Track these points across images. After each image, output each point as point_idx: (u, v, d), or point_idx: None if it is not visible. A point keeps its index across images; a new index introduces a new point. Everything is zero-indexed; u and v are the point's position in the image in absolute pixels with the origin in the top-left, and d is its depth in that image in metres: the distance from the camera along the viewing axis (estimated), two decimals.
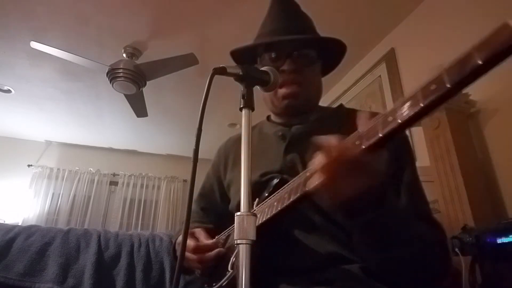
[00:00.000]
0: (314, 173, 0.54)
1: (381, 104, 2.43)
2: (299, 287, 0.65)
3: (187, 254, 0.76)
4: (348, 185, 0.50)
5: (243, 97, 0.61)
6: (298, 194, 0.58)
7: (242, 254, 0.47)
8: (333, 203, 0.55)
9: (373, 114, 0.51)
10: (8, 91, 3.33)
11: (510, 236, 1.12)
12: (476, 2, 1.83)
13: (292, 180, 0.62)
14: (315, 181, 0.52)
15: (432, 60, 2.06)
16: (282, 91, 0.83)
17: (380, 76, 2.49)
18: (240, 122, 0.59)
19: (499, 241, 1.14)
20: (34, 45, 2.38)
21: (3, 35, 2.53)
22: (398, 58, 2.37)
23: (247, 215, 0.49)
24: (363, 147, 0.47)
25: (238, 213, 0.50)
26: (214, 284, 0.72)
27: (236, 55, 0.94)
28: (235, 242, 0.48)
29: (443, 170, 1.57)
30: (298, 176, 0.60)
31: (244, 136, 0.56)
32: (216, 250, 0.73)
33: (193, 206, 1.02)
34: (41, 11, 2.30)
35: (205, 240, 0.78)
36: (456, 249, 1.25)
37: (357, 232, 0.61)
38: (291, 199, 0.59)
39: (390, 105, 2.33)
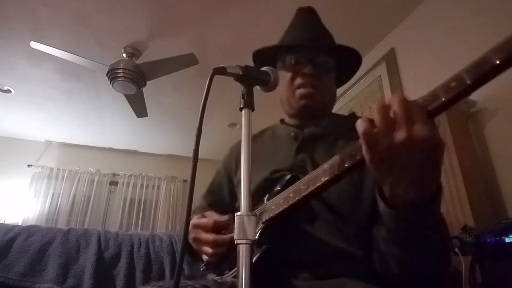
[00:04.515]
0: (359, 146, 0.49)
1: None
2: (305, 281, 0.67)
3: (202, 234, 0.76)
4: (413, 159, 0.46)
5: (243, 97, 0.61)
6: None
7: (242, 254, 0.47)
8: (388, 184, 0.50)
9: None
10: (8, 91, 3.33)
11: (510, 236, 1.12)
12: (476, 2, 1.83)
13: (309, 174, 0.63)
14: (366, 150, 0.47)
15: (432, 60, 2.06)
16: (300, 91, 0.88)
17: (380, 76, 2.49)
18: (240, 122, 0.59)
19: (499, 241, 1.14)
20: (34, 45, 2.38)
21: (3, 35, 2.53)
22: (398, 58, 2.37)
23: (247, 215, 0.50)
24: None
25: (238, 213, 0.50)
26: (226, 272, 0.72)
27: (258, 55, 0.98)
28: (235, 242, 0.48)
29: (443, 170, 1.57)
30: (316, 170, 0.61)
31: (244, 136, 0.56)
32: (231, 234, 0.71)
33: (201, 201, 1.03)
34: (41, 11, 2.30)
35: (219, 217, 0.78)
36: (456, 249, 1.25)
37: (394, 229, 0.57)
38: (310, 189, 0.59)
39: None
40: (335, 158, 0.56)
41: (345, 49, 0.91)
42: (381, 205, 0.54)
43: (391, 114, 0.46)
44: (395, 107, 0.46)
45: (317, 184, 0.58)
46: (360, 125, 0.47)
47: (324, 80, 0.89)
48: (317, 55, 0.89)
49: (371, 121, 0.47)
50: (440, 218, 0.59)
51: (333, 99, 0.96)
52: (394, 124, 0.45)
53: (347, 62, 0.95)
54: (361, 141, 0.47)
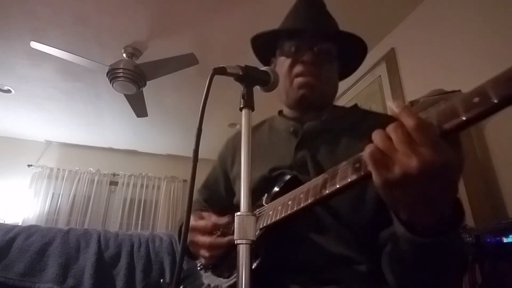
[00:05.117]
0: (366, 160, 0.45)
1: (381, 104, 2.43)
2: (303, 286, 0.65)
3: (198, 237, 0.75)
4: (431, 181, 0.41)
5: (243, 97, 0.60)
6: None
7: (242, 254, 0.47)
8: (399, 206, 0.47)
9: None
10: (8, 91, 3.33)
11: (510, 236, 1.12)
12: (476, 2, 1.83)
13: (309, 181, 0.59)
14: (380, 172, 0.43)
15: (432, 60, 2.06)
16: (298, 80, 0.83)
17: (380, 76, 2.49)
18: (240, 122, 0.59)
19: (499, 241, 1.14)
20: (34, 45, 2.38)
21: (3, 35, 2.53)
22: (398, 58, 2.37)
23: (247, 215, 0.49)
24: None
25: (238, 213, 0.50)
26: (224, 275, 0.71)
27: (256, 42, 0.93)
28: (235, 242, 0.48)
29: None
30: (317, 178, 0.57)
31: (244, 136, 0.56)
32: (229, 237, 0.70)
33: (196, 195, 1.01)
34: (41, 11, 2.30)
35: (218, 219, 0.76)
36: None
37: (411, 251, 0.52)
38: (309, 200, 0.55)
39: (390, 105, 2.33)
40: (337, 169, 0.53)
41: (349, 36, 0.84)
42: (400, 229, 0.50)
43: (396, 138, 0.42)
44: (394, 133, 0.42)
45: (317, 197, 0.54)
46: (368, 154, 0.44)
47: (325, 69, 0.83)
48: (319, 41, 0.83)
49: (380, 148, 0.43)
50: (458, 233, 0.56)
51: (334, 90, 0.90)
52: (403, 151, 0.41)
53: (351, 52, 0.89)
54: (370, 168, 0.44)
